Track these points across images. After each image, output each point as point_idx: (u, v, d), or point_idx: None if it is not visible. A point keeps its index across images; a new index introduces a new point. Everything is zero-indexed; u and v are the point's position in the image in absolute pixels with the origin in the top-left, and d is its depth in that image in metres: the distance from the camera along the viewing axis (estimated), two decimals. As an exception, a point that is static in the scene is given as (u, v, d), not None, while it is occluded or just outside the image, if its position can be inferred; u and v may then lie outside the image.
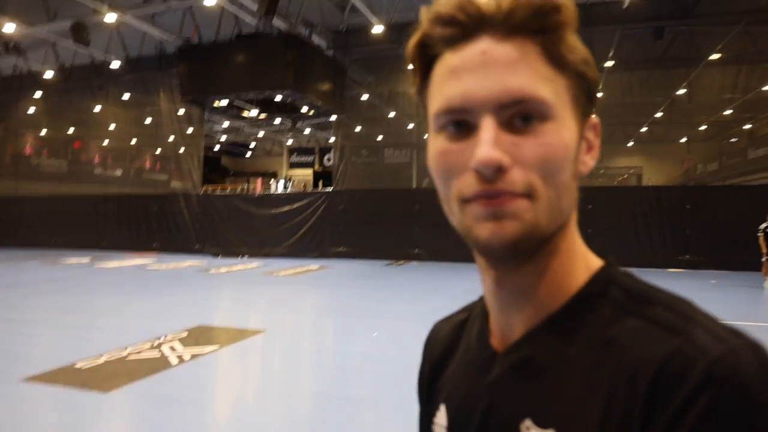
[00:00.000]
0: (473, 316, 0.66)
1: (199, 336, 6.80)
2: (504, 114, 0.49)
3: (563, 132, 0.49)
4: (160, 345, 6.29)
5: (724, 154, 24.52)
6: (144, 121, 23.05)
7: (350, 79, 19.64)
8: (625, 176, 29.21)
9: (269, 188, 28.34)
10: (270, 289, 11.30)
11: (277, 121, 24.86)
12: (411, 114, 22.43)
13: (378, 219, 16.73)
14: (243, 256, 17.78)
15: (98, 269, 14.58)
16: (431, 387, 0.69)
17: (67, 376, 5.16)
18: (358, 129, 21.99)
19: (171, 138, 21.21)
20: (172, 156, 22.80)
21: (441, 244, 16.02)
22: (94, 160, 25.75)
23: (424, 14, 0.53)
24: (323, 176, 29.60)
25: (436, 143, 0.53)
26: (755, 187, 15.80)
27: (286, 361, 6.16)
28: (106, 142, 25.10)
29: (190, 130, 20.13)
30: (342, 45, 17.62)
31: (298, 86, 16.07)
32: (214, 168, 31.84)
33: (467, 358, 0.62)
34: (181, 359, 5.73)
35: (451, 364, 0.66)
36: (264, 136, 31.64)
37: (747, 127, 22.89)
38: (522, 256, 0.51)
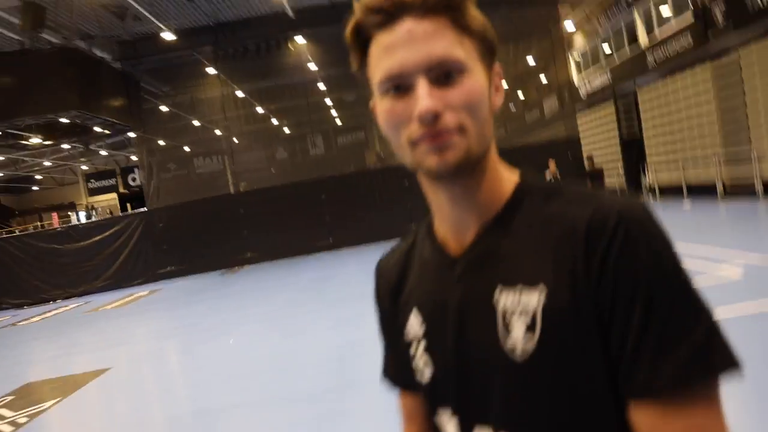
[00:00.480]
0: (418, 240, 0.80)
1: (30, 395, 6.03)
2: (431, 74, 0.63)
3: (477, 79, 0.65)
4: (-18, 416, 5.47)
5: (507, 120, 27.97)
6: None
7: (145, 91, 18.40)
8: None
9: (69, 221, 25.35)
10: (99, 326, 10.30)
11: (66, 146, 22.26)
12: (216, 119, 21.69)
13: (203, 230, 16.04)
14: (55, 300, 15.79)
15: None
16: (393, 308, 0.82)
17: None
18: (161, 143, 20.71)
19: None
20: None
21: (272, 243, 15.96)
22: None
23: (357, 6, 0.66)
24: (130, 198, 27.34)
25: (383, 105, 0.67)
26: (536, 145, 18.30)
27: (141, 392, 5.78)
28: None
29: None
30: (130, 55, 16.41)
31: (85, 105, 14.58)
32: (-7, 210, 27.51)
33: (427, 270, 0.76)
34: (15, 424, 5.06)
35: (408, 283, 0.79)
36: (52, 165, 28.16)
37: (520, 96, 26.32)
38: (462, 174, 0.67)
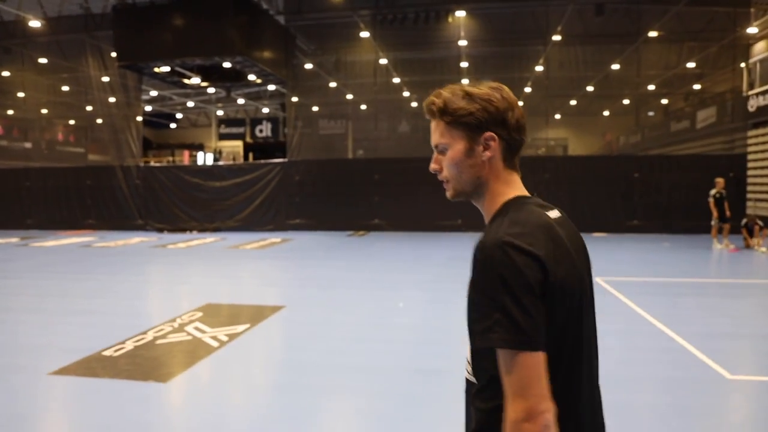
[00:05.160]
0: None
1: (215, 315, 6.42)
2: (438, 149, 1.28)
3: (452, 153, 1.24)
4: (182, 326, 5.89)
5: (644, 126, 26.18)
6: (60, 88, 21.01)
7: (297, 47, 18.95)
8: (552, 145, 30.44)
9: (196, 160, 26.92)
10: (249, 263, 10.86)
11: (210, 90, 23.51)
12: (352, 84, 21.98)
13: (336, 190, 16.46)
14: (191, 230, 16.90)
15: (35, 249, 13.31)
16: None
17: (103, 367, 4.70)
18: (294, 99, 21.33)
19: (90, 108, 19.54)
20: (93, 127, 21.07)
21: (400, 214, 16.09)
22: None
23: None
24: (254, 148, 28.47)
25: None
26: (693, 156, 17.06)
27: (331, 335, 5.87)
28: (10, 112, 22.62)
29: (114, 99, 18.62)
30: (293, 11, 16.92)
31: (248, 53, 15.26)
32: (135, 139, 29.73)
33: None
34: (218, 341, 5.39)
35: None
36: (192, 106, 29.96)
37: (664, 101, 24.53)
38: (461, 199, 1.29)
